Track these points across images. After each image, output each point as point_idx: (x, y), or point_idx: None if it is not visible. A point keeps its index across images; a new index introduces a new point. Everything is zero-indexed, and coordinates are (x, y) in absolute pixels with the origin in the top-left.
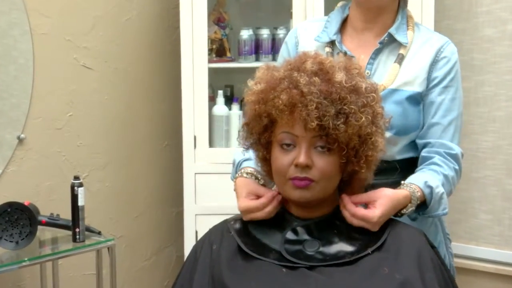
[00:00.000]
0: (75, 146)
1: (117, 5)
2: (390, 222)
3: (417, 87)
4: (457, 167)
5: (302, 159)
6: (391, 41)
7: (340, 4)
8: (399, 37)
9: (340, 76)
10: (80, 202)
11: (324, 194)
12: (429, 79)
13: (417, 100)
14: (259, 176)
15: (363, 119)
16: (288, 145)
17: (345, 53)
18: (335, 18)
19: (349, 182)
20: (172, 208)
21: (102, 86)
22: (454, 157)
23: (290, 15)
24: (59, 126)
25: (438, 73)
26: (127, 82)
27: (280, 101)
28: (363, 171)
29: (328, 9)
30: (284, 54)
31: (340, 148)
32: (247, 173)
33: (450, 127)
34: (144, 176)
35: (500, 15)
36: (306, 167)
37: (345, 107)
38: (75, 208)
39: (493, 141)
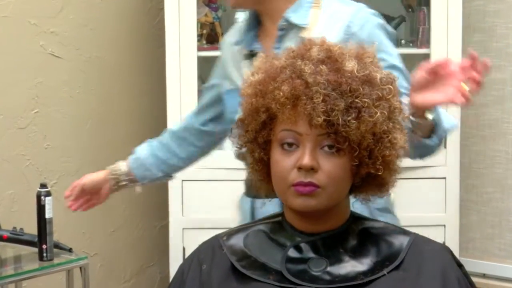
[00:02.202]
0: (42, 148)
1: None
2: (408, 236)
3: None
4: None
5: (306, 160)
6: (292, 26)
7: None
8: (296, 19)
9: (351, 65)
10: (48, 214)
11: (332, 203)
12: None
13: None
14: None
15: (378, 114)
16: (290, 144)
17: (251, 51)
18: (246, 15)
19: (363, 188)
20: (156, 221)
21: (73, 78)
22: None
23: None
24: (22, 125)
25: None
26: (103, 73)
27: (281, 93)
28: (380, 173)
29: None
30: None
31: (351, 148)
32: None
33: None
34: None
35: None
36: (311, 170)
37: (357, 100)
38: (42, 221)
39: None
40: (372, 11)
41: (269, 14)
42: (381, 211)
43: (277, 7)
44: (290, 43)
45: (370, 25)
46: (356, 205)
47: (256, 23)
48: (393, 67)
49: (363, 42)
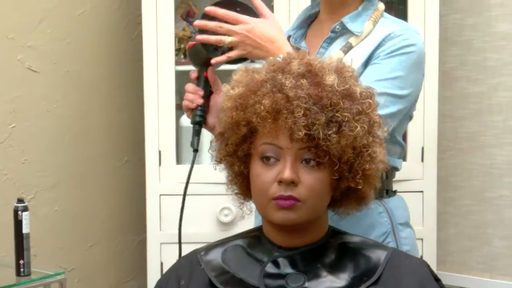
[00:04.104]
0: (19, 163)
1: None
2: (386, 250)
3: None
4: None
5: (287, 174)
6: (346, 31)
7: (317, 0)
8: (352, 26)
9: (331, 79)
10: (25, 229)
11: (312, 216)
12: (369, 62)
13: None
14: None
15: (358, 128)
16: (271, 158)
17: (298, 48)
18: (301, 14)
19: (343, 202)
20: (134, 236)
21: (51, 92)
22: None
23: (271, 9)
24: (0, 140)
25: (379, 54)
26: (80, 87)
27: (262, 107)
28: (360, 187)
29: None
30: None
31: (331, 162)
32: None
33: None
34: (100, 199)
35: None
36: (292, 183)
37: (337, 114)
38: (19, 236)
39: (510, 155)
40: (418, 32)
41: (334, 19)
42: (403, 226)
43: (345, 13)
44: (337, 47)
45: (403, 43)
46: (381, 219)
47: (307, 24)
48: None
49: (385, 51)
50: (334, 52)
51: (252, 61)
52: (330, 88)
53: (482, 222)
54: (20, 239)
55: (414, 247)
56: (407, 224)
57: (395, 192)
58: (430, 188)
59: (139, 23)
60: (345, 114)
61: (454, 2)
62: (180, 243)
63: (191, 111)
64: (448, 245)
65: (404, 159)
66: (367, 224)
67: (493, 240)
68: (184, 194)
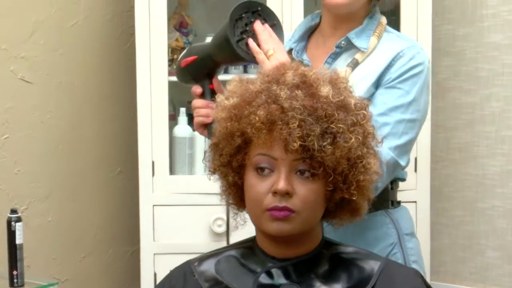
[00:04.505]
0: (12, 174)
1: (61, 7)
2: (379, 261)
3: (363, 93)
4: None
5: (281, 185)
6: (351, 47)
7: (317, 12)
8: (357, 42)
9: (326, 90)
10: (18, 240)
11: (306, 227)
12: (380, 83)
13: None
14: None
15: (353, 139)
16: (265, 169)
17: (301, 62)
18: (302, 26)
19: (337, 213)
20: (127, 247)
21: (44, 103)
22: None
23: None
24: None
25: (390, 75)
26: (73, 98)
27: (256, 118)
28: (354, 198)
29: (307, 11)
30: None
31: (326, 173)
32: None
33: (384, 128)
34: (93, 209)
35: (509, 19)
36: (286, 194)
37: (332, 125)
38: (12, 247)
39: (502, 165)
40: (424, 52)
41: (337, 34)
42: (408, 236)
43: (350, 27)
44: (342, 62)
45: (413, 62)
46: (388, 230)
47: (307, 36)
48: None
49: (397, 72)
50: (341, 69)
51: (246, 72)
52: (325, 99)
53: (475, 233)
54: (13, 249)
55: (420, 258)
56: (412, 235)
57: (399, 202)
58: (424, 199)
59: (132, 34)
60: (340, 125)
61: (446, 13)
62: None
63: (205, 126)
64: (441, 255)
65: None
66: (374, 235)
67: (486, 251)
68: None
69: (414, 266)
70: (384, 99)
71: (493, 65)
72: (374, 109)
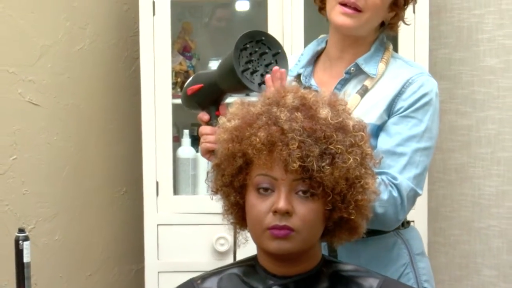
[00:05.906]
0: (20, 194)
1: (67, 32)
2: (378, 278)
3: (375, 119)
4: (395, 194)
5: (281, 204)
6: (360, 72)
7: (321, 36)
8: (367, 68)
9: (325, 112)
10: (26, 259)
11: (306, 246)
12: (392, 110)
13: (374, 133)
14: None
15: (351, 160)
16: (266, 189)
17: (310, 87)
18: (308, 51)
19: (335, 232)
20: (131, 265)
21: (51, 125)
22: (396, 185)
23: (265, 27)
24: (1, 171)
25: (402, 104)
26: (80, 120)
27: (257, 139)
28: (353, 217)
29: (307, 38)
30: None
31: (325, 193)
32: None
33: (401, 158)
34: (98, 228)
35: (504, 43)
36: (286, 214)
37: (331, 146)
38: (20, 266)
39: (498, 186)
40: (432, 78)
41: (345, 58)
42: (420, 256)
43: (357, 52)
44: (352, 88)
45: (424, 90)
46: (400, 250)
47: (314, 61)
48: (412, 131)
49: (408, 100)
50: (351, 97)
51: (248, 95)
52: (323, 121)
53: (471, 252)
54: (21, 268)
55: (431, 277)
56: (423, 254)
57: (409, 223)
58: (421, 218)
59: (136, 58)
60: (338, 146)
61: (442, 38)
62: None
63: (212, 152)
64: (439, 274)
65: None
66: (389, 257)
67: (482, 269)
68: None
69: (426, 285)
70: (399, 129)
71: (488, 88)
72: (389, 140)
